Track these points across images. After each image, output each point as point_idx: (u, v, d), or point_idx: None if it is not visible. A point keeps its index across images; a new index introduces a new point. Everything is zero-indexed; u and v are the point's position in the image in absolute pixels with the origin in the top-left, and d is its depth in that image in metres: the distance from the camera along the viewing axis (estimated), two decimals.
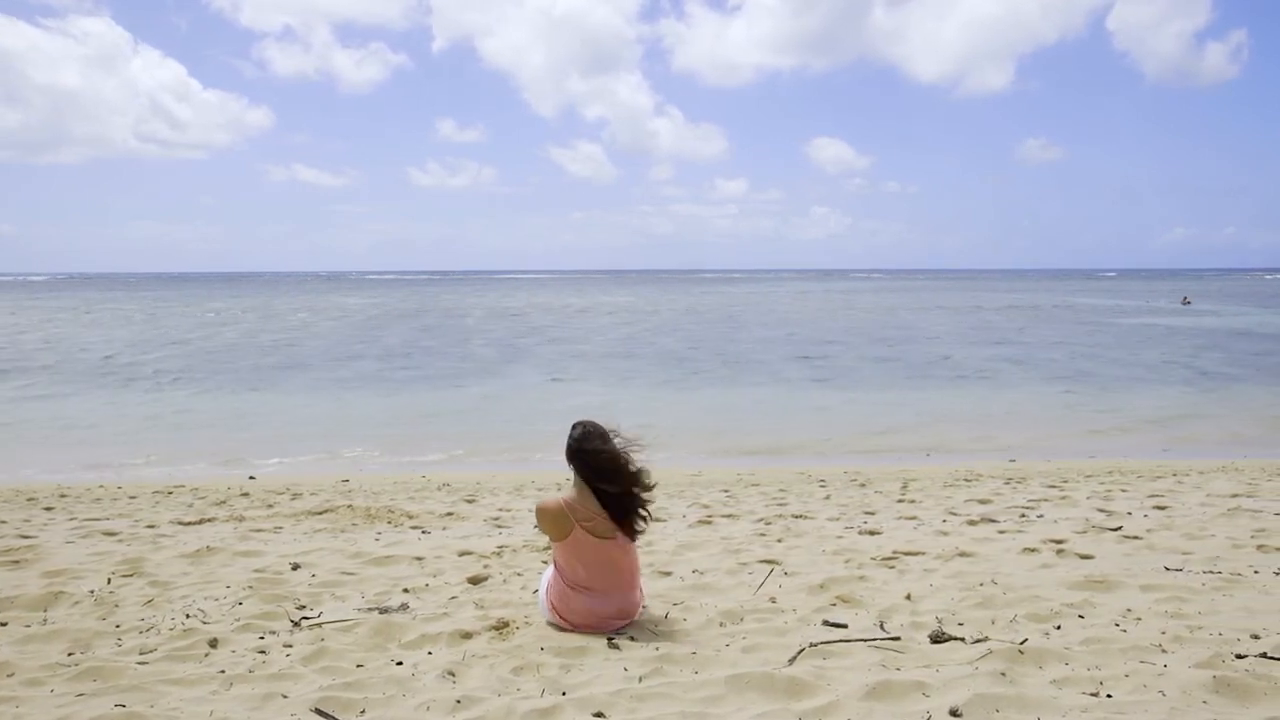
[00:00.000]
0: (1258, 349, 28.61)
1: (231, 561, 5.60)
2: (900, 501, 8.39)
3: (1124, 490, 8.76)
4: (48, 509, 8.39)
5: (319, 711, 3.05)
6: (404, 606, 4.50)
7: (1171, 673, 3.29)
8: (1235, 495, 8.19)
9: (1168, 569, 5.11)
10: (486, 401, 18.93)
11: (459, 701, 3.18)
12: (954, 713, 2.97)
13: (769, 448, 13.81)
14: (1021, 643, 3.66)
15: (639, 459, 4.15)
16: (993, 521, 6.95)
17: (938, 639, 3.82)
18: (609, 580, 4.08)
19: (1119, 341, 31.80)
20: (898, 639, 3.83)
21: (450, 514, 7.92)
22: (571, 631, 4.06)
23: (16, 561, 5.50)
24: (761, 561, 5.47)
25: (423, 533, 6.90)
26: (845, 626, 4.07)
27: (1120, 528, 6.44)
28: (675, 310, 56.54)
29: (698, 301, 70.15)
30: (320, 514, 7.92)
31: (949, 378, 22.14)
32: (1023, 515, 7.23)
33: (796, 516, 7.47)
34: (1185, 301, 59.94)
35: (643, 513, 4.16)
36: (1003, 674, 3.30)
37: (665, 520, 7.42)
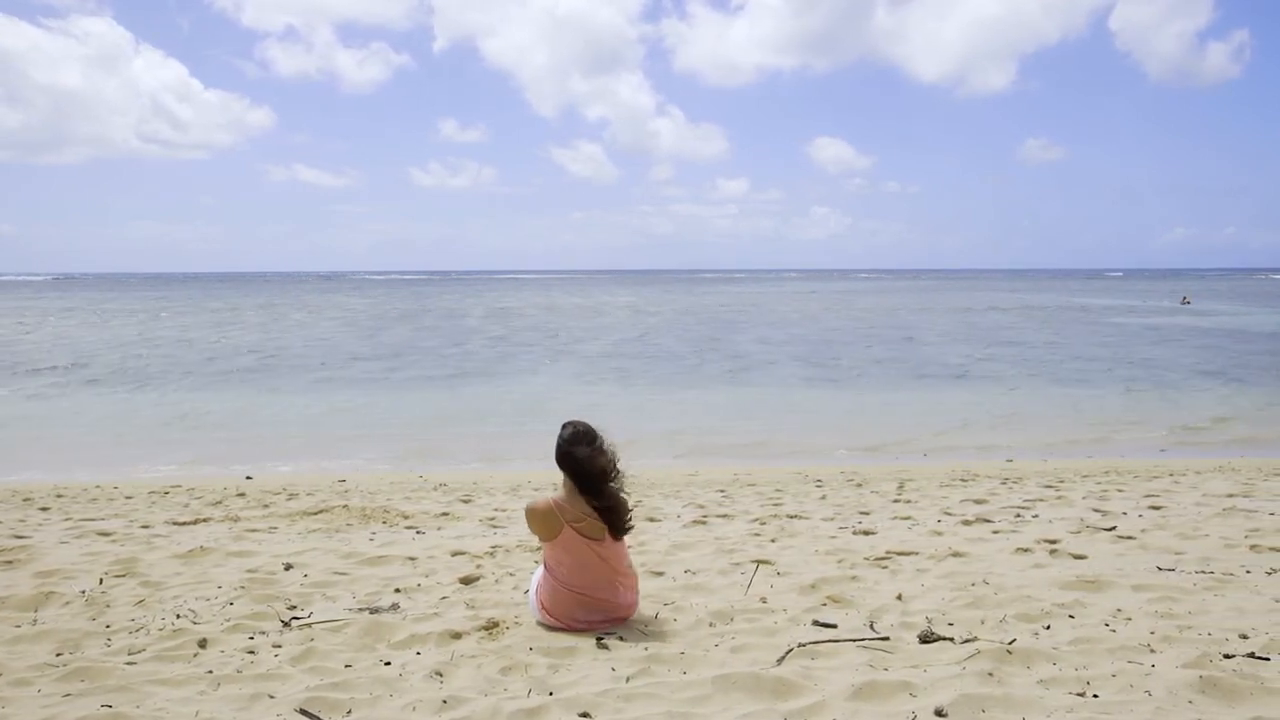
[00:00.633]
0: (1256, 349, 28.59)
1: (224, 562, 5.60)
2: (896, 501, 8.39)
3: (1120, 490, 8.76)
4: (43, 509, 8.39)
5: (304, 712, 3.05)
6: (394, 607, 4.51)
7: (1159, 672, 3.29)
8: (1231, 495, 8.18)
9: (1160, 569, 5.11)
10: (485, 401, 18.93)
11: (445, 702, 3.18)
12: (939, 713, 2.97)
13: (767, 447, 13.81)
14: (1010, 643, 3.66)
15: (625, 462, 4.15)
16: (987, 521, 6.95)
17: (926, 639, 3.82)
18: (599, 580, 4.08)
19: (1119, 341, 31.78)
20: (887, 639, 3.83)
21: (445, 514, 7.92)
22: (561, 632, 4.06)
23: (9, 562, 5.50)
24: (754, 561, 5.47)
25: (417, 533, 6.90)
26: (835, 627, 4.07)
27: (1114, 528, 6.44)
28: (675, 310, 56.53)
29: (697, 301, 70.14)
30: (315, 514, 7.92)
31: (948, 378, 22.13)
32: (1018, 515, 7.23)
33: (791, 516, 7.47)
34: (1185, 301, 59.94)
35: (629, 515, 4.16)
36: (990, 674, 3.30)
37: (660, 520, 7.43)
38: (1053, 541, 5.95)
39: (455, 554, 5.86)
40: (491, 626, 4.14)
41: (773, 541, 6.19)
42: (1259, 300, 65.37)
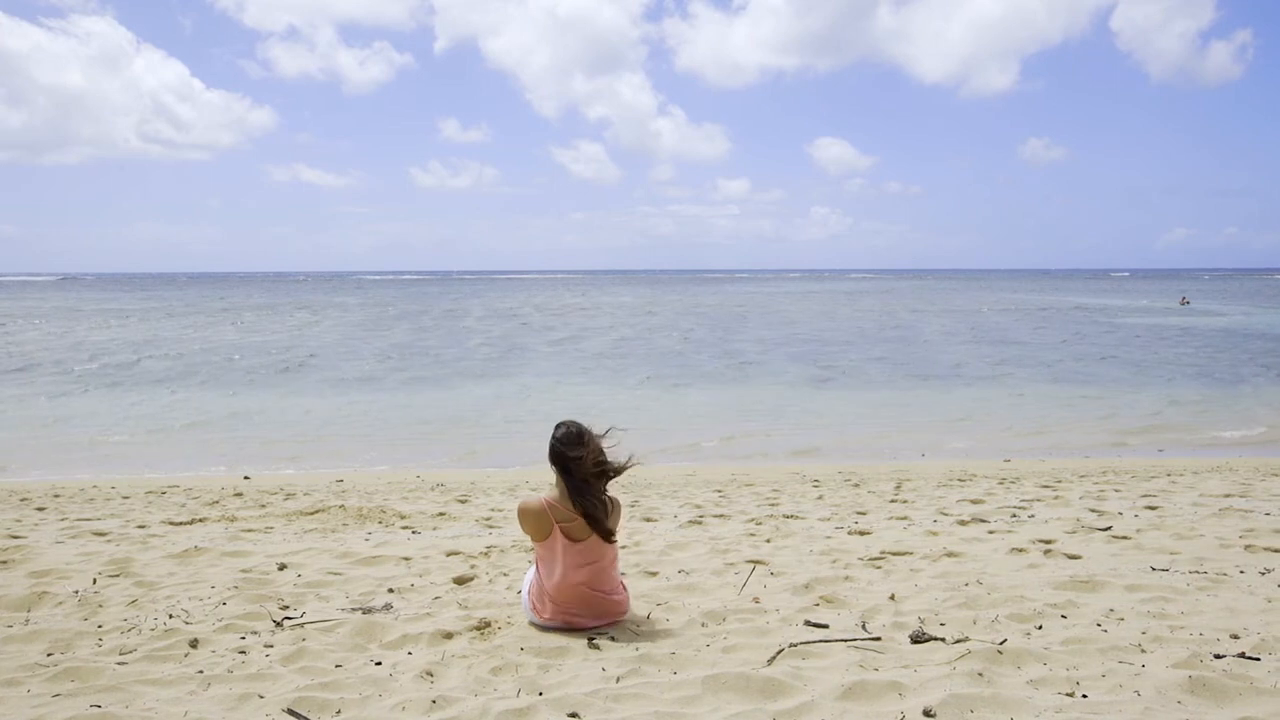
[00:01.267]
0: (1255, 348, 28.57)
1: (218, 562, 5.60)
2: (893, 501, 8.38)
3: (1117, 490, 8.75)
4: (40, 509, 8.40)
5: (291, 712, 3.05)
6: (387, 607, 4.50)
7: (1149, 673, 3.28)
8: (1228, 495, 8.17)
9: (1154, 569, 5.11)
10: (483, 401, 18.94)
11: (434, 702, 3.18)
12: (927, 713, 2.97)
13: (765, 447, 13.81)
14: (1001, 643, 3.66)
15: (617, 461, 4.14)
16: (983, 522, 6.95)
17: (918, 639, 3.81)
18: (590, 580, 4.08)
19: (1118, 341, 31.78)
20: (878, 639, 3.83)
21: (442, 514, 7.92)
22: (553, 632, 4.06)
23: (3, 562, 5.50)
24: (748, 561, 5.47)
25: (413, 533, 6.90)
26: (826, 627, 4.06)
27: (1110, 528, 6.43)
28: (675, 310, 56.53)
29: (698, 302, 70.15)
30: (312, 514, 7.92)
31: (946, 378, 22.13)
32: (1014, 515, 7.22)
33: (788, 516, 7.47)
34: (1184, 302, 59.95)
35: (618, 516, 4.16)
36: (980, 674, 3.29)
37: (656, 520, 7.42)
38: (1048, 542, 5.94)
39: (450, 554, 5.86)
40: (484, 626, 4.14)
41: (768, 542, 6.19)
42: (1261, 300, 65.34)
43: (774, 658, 3.60)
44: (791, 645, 3.74)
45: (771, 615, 4.28)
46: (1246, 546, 5.66)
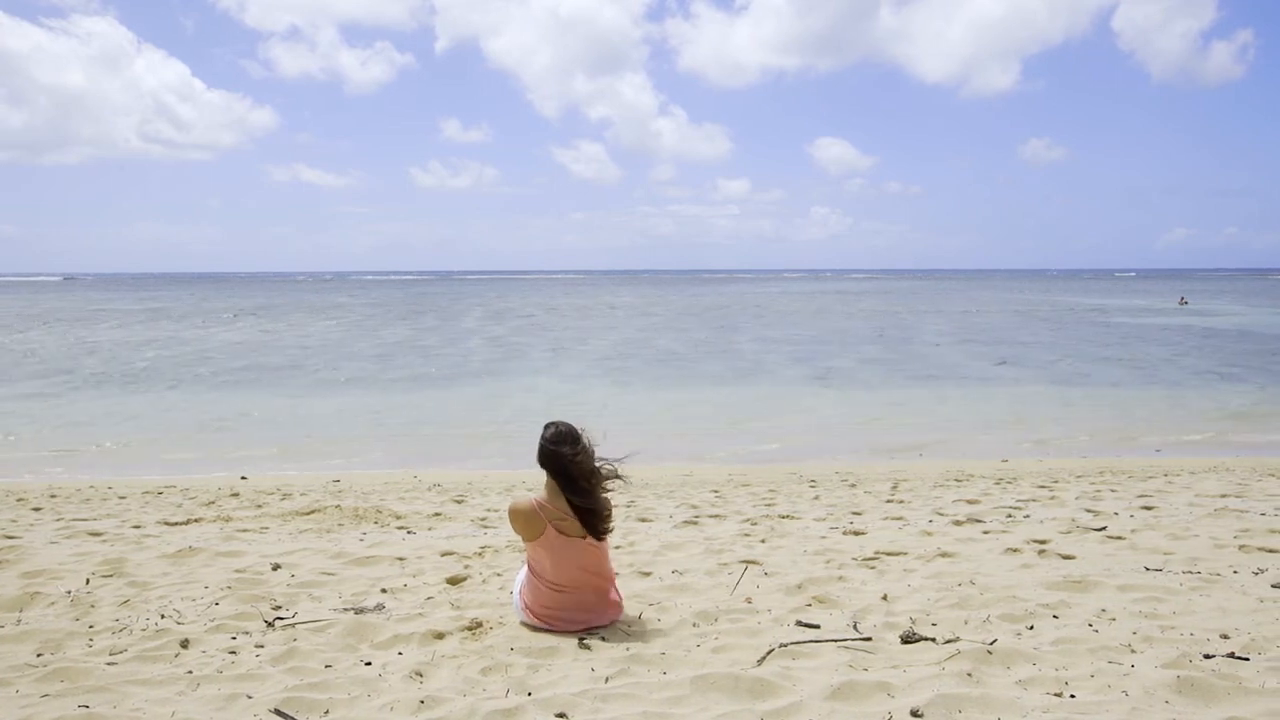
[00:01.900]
0: (1253, 348, 28.58)
1: (212, 562, 5.60)
2: (889, 502, 8.38)
3: (1114, 490, 8.74)
4: (36, 509, 8.39)
5: (278, 712, 3.05)
6: (379, 607, 4.50)
7: (1137, 673, 3.28)
8: (1224, 495, 8.17)
9: (1147, 569, 5.11)
10: (481, 401, 18.94)
11: (422, 702, 3.18)
12: (915, 713, 2.97)
13: (762, 447, 13.81)
14: (991, 643, 3.66)
15: (607, 464, 4.14)
16: (978, 522, 6.95)
17: (908, 639, 3.81)
18: (581, 580, 4.08)
19: (1117, 341, 31.78)
20: (869, 639, 3.83)
21: (438, 514, 7.92)
22: (544, 632, 4.06)
23: None
24: (742, 562, 5.47)
25: (408, 533, 6.90)
26: (818, 627, 4.06)
27: (1104, 528, 6.43)
28: (674, 310, 56.54)
29: (697, 302, 70.16)
30: (308, 514, 7.92)
31: (945, 378, 22.12)
32: (1009, 515, 7.22)
33: (783, 517, 7.46)
34: (1183, 302, 59.97)
35: (609, 517, 4.16)
36: (969, 674, 3.30)
37: (652, 520, 7.42)
38: (1042, 542, 5.94)
39: (445, 554, 5.86)
40: (475, 627, 4.14)
41: (762, 542, 6.19)
42: (1259, 301, 65.35)
43: (764, 658, 3.60)
44: (782, 645, 3.74)
45: (763, 615, 4.28)
46: (1241, 547, 5.66)
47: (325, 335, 37.03)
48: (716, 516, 7.56)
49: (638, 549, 5.93)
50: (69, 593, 4.74)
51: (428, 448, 13.94)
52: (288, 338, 35.70)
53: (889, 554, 5.68)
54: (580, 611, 4.08)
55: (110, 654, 3.75)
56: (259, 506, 8.53)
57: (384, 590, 4.90)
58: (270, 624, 4.20)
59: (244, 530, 7.05)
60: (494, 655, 3.72)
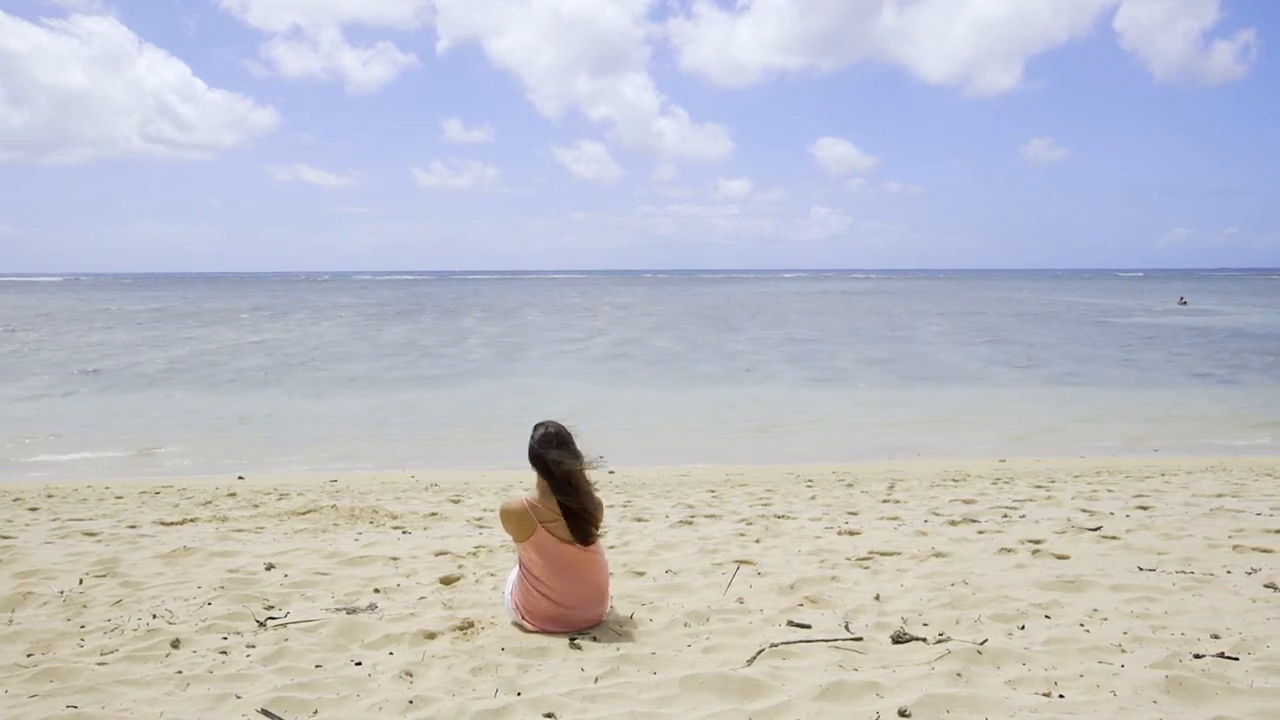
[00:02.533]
0: (1250, 348, 28.58)
1: (206, 562, 5.59)
2: (885, 502, 8.38)
3: (1110, 490, 8.74)
4: (32, 509, 8.39)
5: (265, 712, 3.05)
6: (371, 607, 4.50)
7: (1127, 673, 3.28)
8: (1220, 495, 8.17)
9: (1141, 569, 5.10)
10: (480, 401, 18.95)
11: (411, 702, 3.18)
12: (903, 713, 2.97)
13: (759, 447, 13.81)
14: (981, 643, 3.65)
15: (595, 465, 4.13)
16: (974, 522, 6.94)
17: (899, 639, 3.81)
18: (572, 581, 4.08)
19: (1115, 341, 31.79)
20: (859, 639, 3.82)
21: (434, 514, 7.92)
22: (535, 632, 4.06)
23: None
24: (736, 562, 5.46)
25: (403, 533, 6.90)
26: (809, 627, 4.06)
27: (1099, 528, 6.42)
28: (674, 310, 56.54)
29: (697, 302, 70.15)
30: (304, 514, 7.92)
31: (943, 378, 22.13)
32: (1005, 516, 7.21)
33: (779, 517, 7.46)
34: (1182, 302, 59.97)
35: (600, 516, 4.15)
36: (958, 674, 3.29)
37: (647, 520, 7.42)
38: (1037, 542, 5.94)
39: (439, 554, 5.85)
40: (466, 627, 4.14)
41: (757, 542, 6.18)
42: (1261, 300, 65.36)
43: (754, 658, 3.60)
44: (773, 645, 3.74)
45: (755, 615, 4.28)
46: (1235, 546, 5.66)
47: (325, 335, 37.03)
48: (712, 516, 7.56)
49: (632, 549, 5.92)
50: (62, 593, 4.74)
51: (426, 448, 13.94)
52: (286, 337, 35.70)
53: (883, 554, 5.68)
54: (571, 612, 4.08)
55: (101, 654, 3.75)
56: (255, 506, 8.53)
57: (377, 590, 4.90)
58: (262, 624, 4.20)
59: (239, 530, 7.05)
60: (484, 655, 3.72)
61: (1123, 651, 3.57)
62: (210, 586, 4.90)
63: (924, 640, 3.80)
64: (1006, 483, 9.67)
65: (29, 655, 3.73)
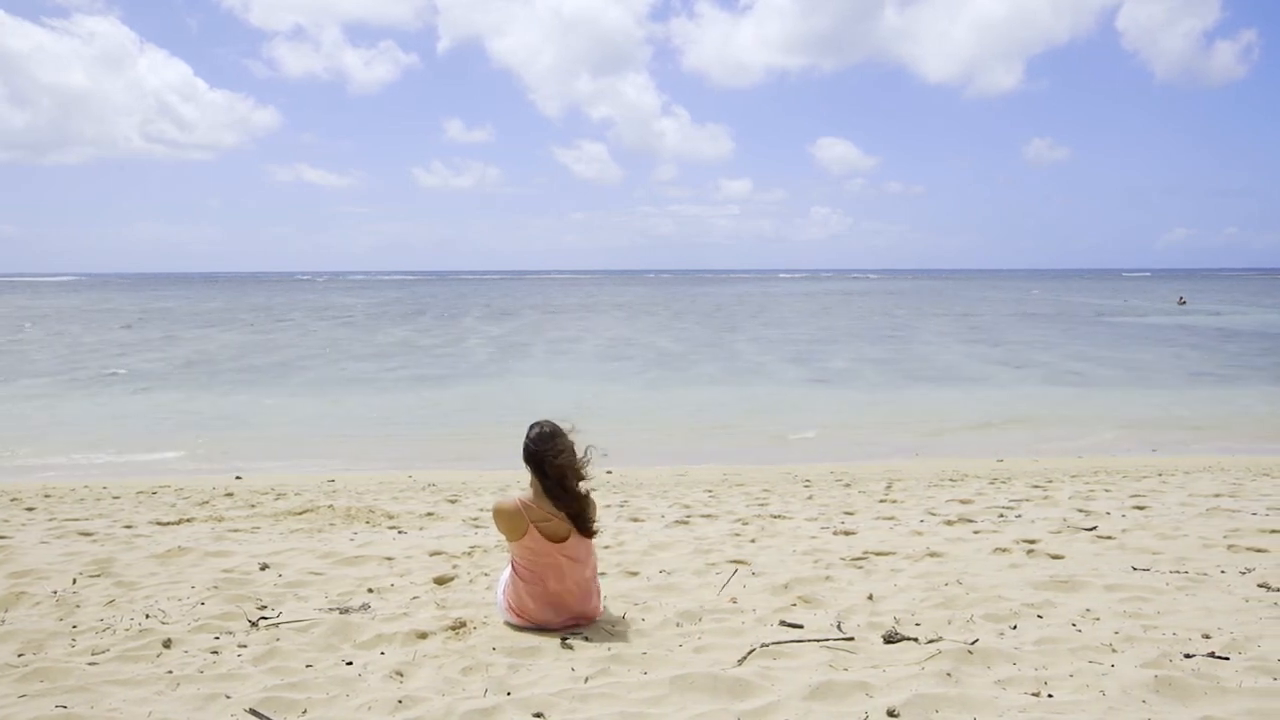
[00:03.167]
0: (1248, 348, 28.58)
1: (201, 562, 5.59)
2: (882, 502, 8.38)
3: (1107, 490, 8.74)
4: (29, 509, 8.39)
5: (253, 712, 3.05)
6: (364, 607, 4.50)
7: (1117, 672, 3.28)
8: (1217, 495, 8.17)
9: (1135, 569, 5.10)
10: (479, 401, 18.95)
11: (400, 702, 3.18)
12: (891, 713, 2.96)
13: (757, 447, 13.81)
14: (972, 643, 3.65)
15: (584, 458, 4.13)
16: (970, 522, 6.94)
17: (891, 639, 3.81)
18: (564, 580, 4.08)
19: (1114, 341, 31.79)
20: (851, 639, 3.82)
21: (430, 514, 7.92)
22: (527, 631, 4.06)
23: None
24: (730, 562, 5.46)
25: (399, 533, 6.90)
26: (801, 627, 4.06)
27: (1095, 528, 6.42)
28: (674, 310, 56.54)
29: (697, 302, 70.15)
30: (300, 514, 7.92)
31: (942, 378, 22.12)
32: (1001, 515, 7.21)
33: (775, 517, 7.46)
34: (1181, 302, 59.99)
35: (593, 517, 4.16)
36: (948, 674, 3.29)
37: (643, 520, 7.41)
38: (1032, 541, 5.94)
39: (434, 554, 5.85)
40: (459, 626, 4.14)
41: (752, 542, 6.18)
42: (1261, 300, 65.38)
43: (744, 658, 3.60)
44: (764, 645, 3.74)
45: (747, 615, 4.28)
46: (1229, 546, 5.66)
47: (325, 335, 37.02)
48: (708, 516, 7.56)
49: (627, 549, 5.92)
50: (55, 593, 4.74)
51: (425, 447, 13.94)
52: (286, 337, 35.70)
53: (878, 554, 5.68)
54: (563, 612, 4.08)
55: (92, 654, 3.75)
56: (252, 506, 8.53)
57: (370, 590, 4.90)
58: (254, 624, 4.20)
59: (235, 530, 7.05)
60: (476, 655, 3.72)
61: (1113, 651, 3.57)
62: (204, 586, 4.90)
63: (915, 640, 3.80)
64: (1004, 483, 9.66)
65: (20, 655, 3.73)
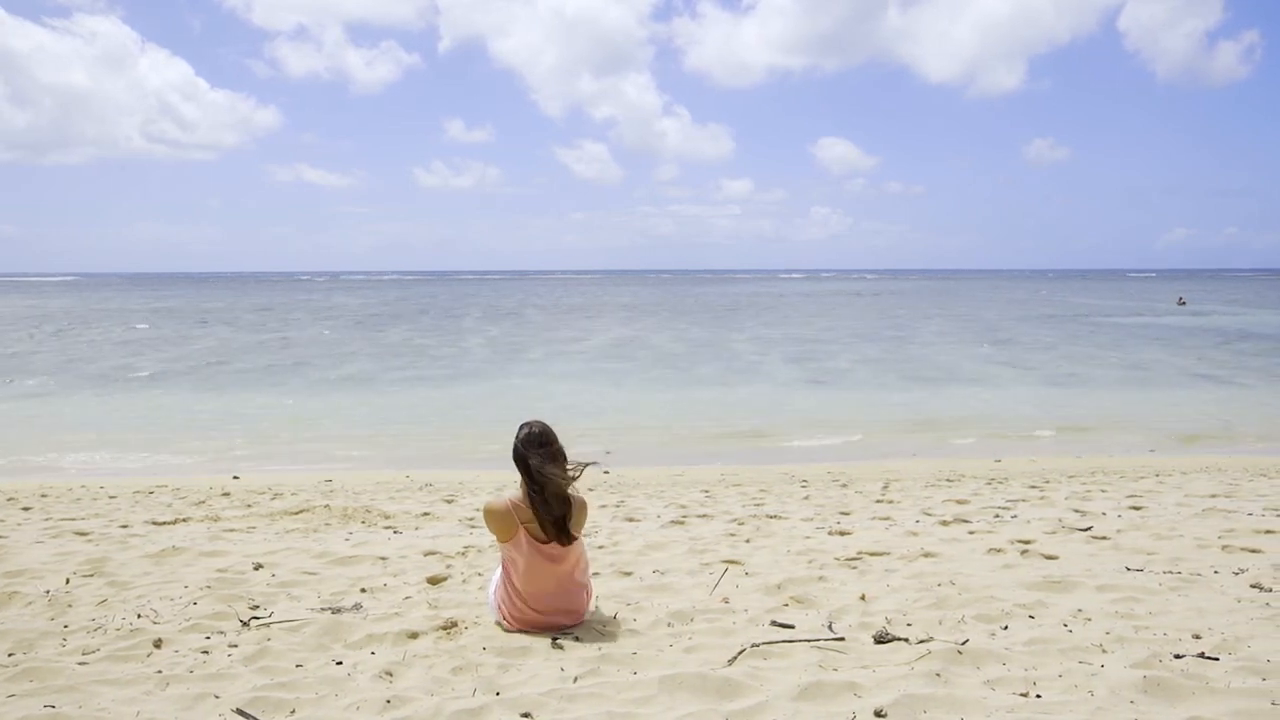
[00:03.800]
0: (1249, 348, 28.57)
1: (194, 561, 5.59)
2: (879, 502, 8.37)
3: (1104, 490, 8.74)
4: (25, 509, 8.39)
5: (241, 712, 3.05)
6: (356, 606, 4.50)
7: (1106, 673, 3.27)
8: (1213, 495, 8.16)
9: (1128, 569, 5.10)
10: (478, 401, 18.95)
11: (389, 701, 3.18)
12: (879, 713, 2.96)
13: (756, 447, 13.81)
14: (963, 643, 3.65)
15: (577, 463, 4.13)
16: (965, 522, 6.94)
17: (881, 639, 3.80)
18: (553, 581, 4.07)
19: (1113, 342, 31.78)
20: (842, 639, 3.82)
21: (426, 514, 7.92)
22: (518, 632, 4.05)
23: None
24: (724, 562, 5.46)
25: (394, 533, 6.90)
26: (792, 627, 4.05)
27: (1090, 528, 6.42)
28: (673, 310, 56.53)
29: (695, 302, 70.14)
30: (296, 514, 7.92)
31: (941, 378, 22.11)
32: (996, 516, 7.21)
33: (771, 517, 7.45)
34: (1181, 302, 59.97)
35: (579, 518, 4.15)
36: (937, 674, 3.29)
37: (639, 520, 7.41)
38: (1026, 542, 5.93)
39: (428, 554, 5.85)
40: (450, 626, 4.13)
41: (747, 542, 6.18)
42: (1260, 300, 65.37)
43: (734, 658, 3.59)
44: (754, 646, 3.73)
45: (739, 615, 4.27)
46: (1224, 547, 5.65)
47: (325, 335, 37.02)
48: (704, 516, 7.55)
49: (621, 549, 5.92)
50: (48, 592, 4.74)
51: (423, 447, 13.94)
52: (285, 337, 35.70)
53: (872, 554, 5.67)
54: (552, 612, 4.07)
55: (82, 654, 3.75)
56: (248, 506, 8.53)
57: (363, 590, 4.89)
58: (245, 623, 4.19)
59: (230, 530, 7.05)
60: (466, 655, 3.72)
61: (1103, 652, 3.57)
62: (197, 586, 4.90)
63: (906, 640, 3.79)
64: (1001, 483, 9.66)
65: (10, 655, 3.73)
